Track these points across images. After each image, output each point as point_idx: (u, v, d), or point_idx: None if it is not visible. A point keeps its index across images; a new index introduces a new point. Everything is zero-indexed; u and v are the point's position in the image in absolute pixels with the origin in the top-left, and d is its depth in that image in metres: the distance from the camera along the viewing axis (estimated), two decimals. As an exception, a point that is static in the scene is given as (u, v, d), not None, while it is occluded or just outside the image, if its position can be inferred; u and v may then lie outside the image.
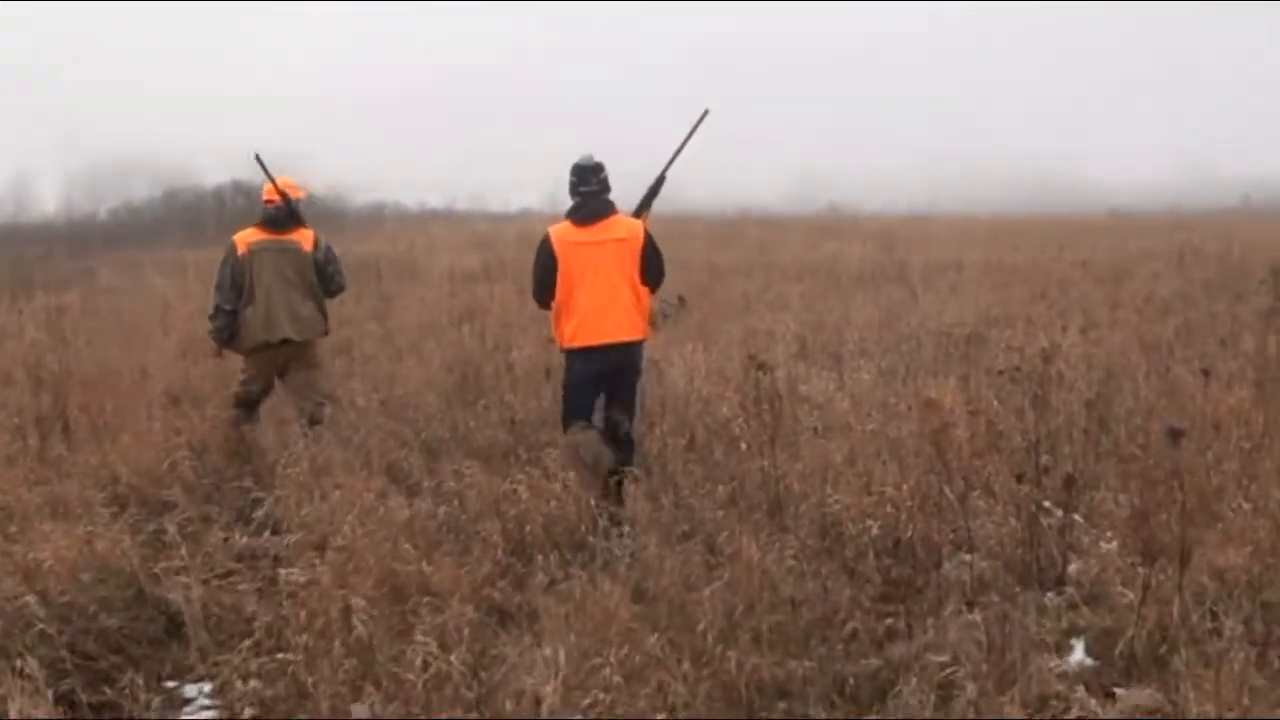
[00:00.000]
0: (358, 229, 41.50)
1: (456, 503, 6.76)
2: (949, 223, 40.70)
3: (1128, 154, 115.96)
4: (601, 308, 7.07)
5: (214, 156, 59.87)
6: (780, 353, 11.61)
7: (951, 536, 6.31)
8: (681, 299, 18.20)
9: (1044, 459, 7.37)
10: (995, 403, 8.87)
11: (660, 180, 7.69)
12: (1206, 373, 7.54)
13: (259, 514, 7.13)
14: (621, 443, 7.11)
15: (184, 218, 48.66)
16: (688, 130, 7.69)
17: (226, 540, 6.68)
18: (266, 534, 7.02)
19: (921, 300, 16.57)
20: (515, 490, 6.51)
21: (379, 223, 45.57)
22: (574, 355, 7.25)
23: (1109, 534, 6.42)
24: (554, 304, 7.26)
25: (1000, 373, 9.83)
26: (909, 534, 6.10)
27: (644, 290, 7.28)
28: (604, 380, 7.25)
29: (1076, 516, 6.55)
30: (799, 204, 71.31)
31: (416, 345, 12.94)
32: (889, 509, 6.33)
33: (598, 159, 7.28)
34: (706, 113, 7.72)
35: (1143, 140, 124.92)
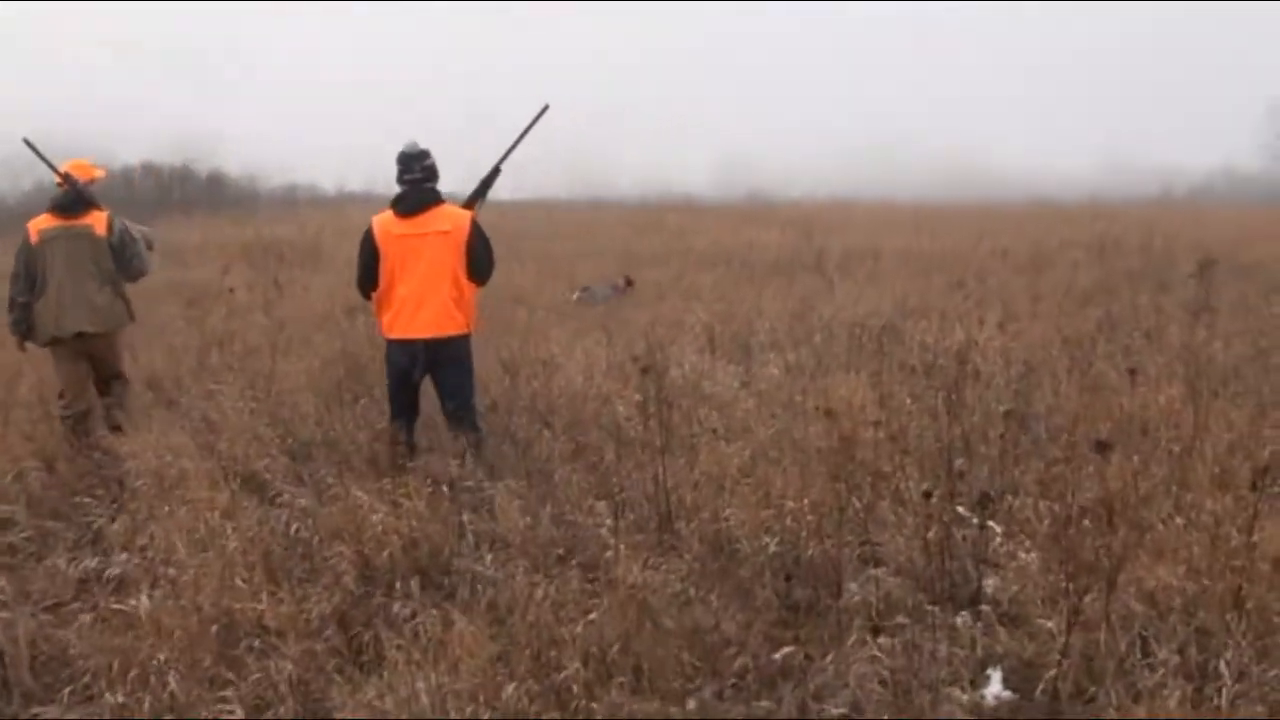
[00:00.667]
0: (270, 211, 40.50)
1: (311, 521, 6.05)
2: (869, 210, 40.48)
3: (1047, 144, 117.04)
4: (419, 300, 6.90)
5: (129, 137, 58.09)
6: (687, 346, 11.05)
7: (858, 551, 5.76)
8: (629, 280, 17.82)
9: (958, 463, 6.90)
10: (908, 401, 8.37)
11: (495, 172, 7.43)
12: (1134, 372, 7.02)
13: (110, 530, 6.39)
14: (465, 427, 6.92)
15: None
16: (527, 123, 7.48)
17: (71, 563, 5.96)
18: (112, 555, 6.27)
19: (837, 289, 16.07)
20: (374, 508, 5.81)
21: (292, 206, 44.57)
22: (391, 346, 7.12)
23: (1028, 546, 5.88)
24: (375, 294, 7.11)
25: (913, 369, 9.44)
26: (810, 551, 5.50)
27: (469, 284, 7.07)
28: (427, 371, 7.09)
29: (993, 525, 6.04)
30: (723, 190, 71.35)
31: (308, 337, 12.17)
32: (789, 522, 5.75)
33: (423, 145, 7.07)
34: (546, 108, 7.51)
35: (1062, 131, 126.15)
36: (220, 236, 26.97)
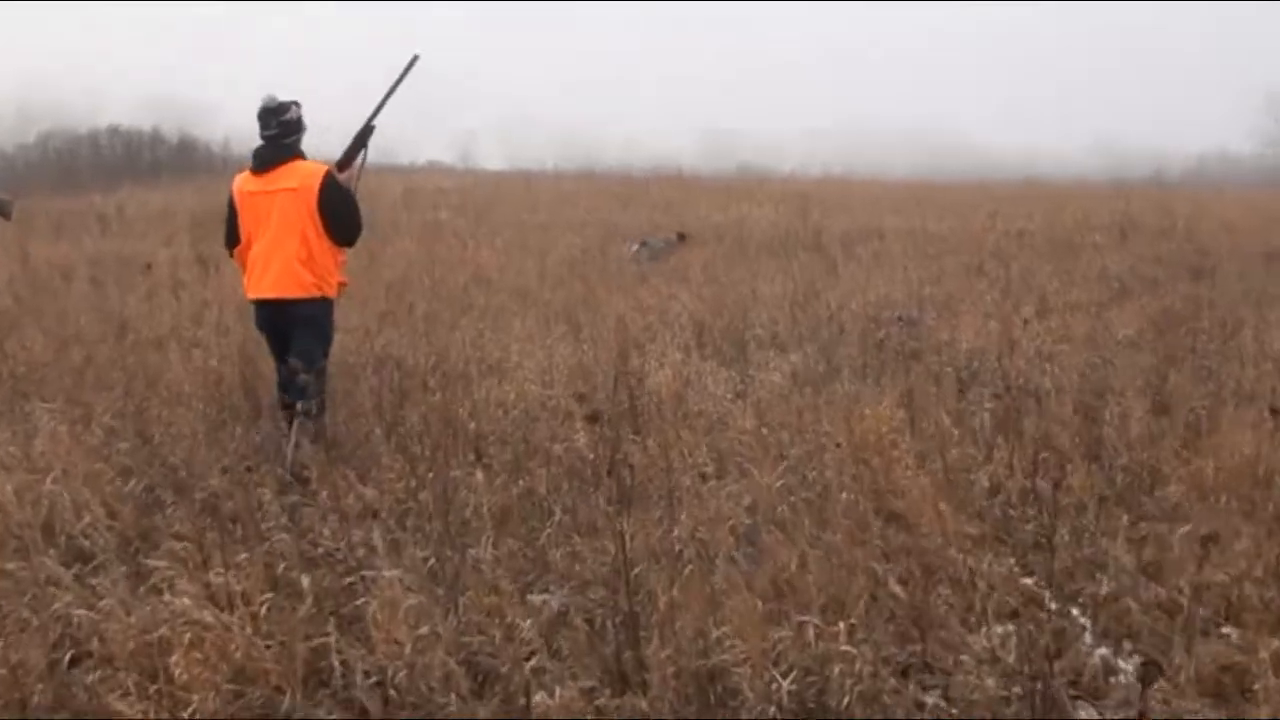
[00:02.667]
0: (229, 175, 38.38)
1: (96, 641, 4.15)
2: (865, 187, 38.65)
3: (1039, 125, 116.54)
4: (266, 261, 6.54)
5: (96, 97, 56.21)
6: (670, 342, 9.29)
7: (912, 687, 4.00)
8: (681, 236, 17.51)
9: (1029, 525, 5.20)
10: (947, 423, 6.65)
11: (366, 130, 6.92)
12: (1277, 412, 5.23)
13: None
14: (301, 395, 5.94)
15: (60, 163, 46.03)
16: (396, 76, 6.98)
17: None
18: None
19: (842, 272, 14.30)
20: (193, 621, 3.95)
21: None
22: (252, 305, 6.83)
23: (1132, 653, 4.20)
24: (237, 252, 6.80)
25: (949, 380, 7.75)
26: (845, 699, 3.70)
27: (326, 245, 6.58)
28: (284, 332, 6.64)
29: (1083, 621, 4.35)
30: (712, 163, 69.78)
31: (229, 325, 10.29)
32: (811, 644, 3.94)
33: (283, 99, 6.60)
34: (416, 58, 7.03)
35: (1053, 112, 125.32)
36: (182, 204, 25.12)
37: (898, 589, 4.34)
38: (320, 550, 4.67)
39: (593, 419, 5.19)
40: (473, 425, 6.68)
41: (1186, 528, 4.94)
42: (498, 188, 33.82)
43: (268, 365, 7.22)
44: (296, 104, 6.62)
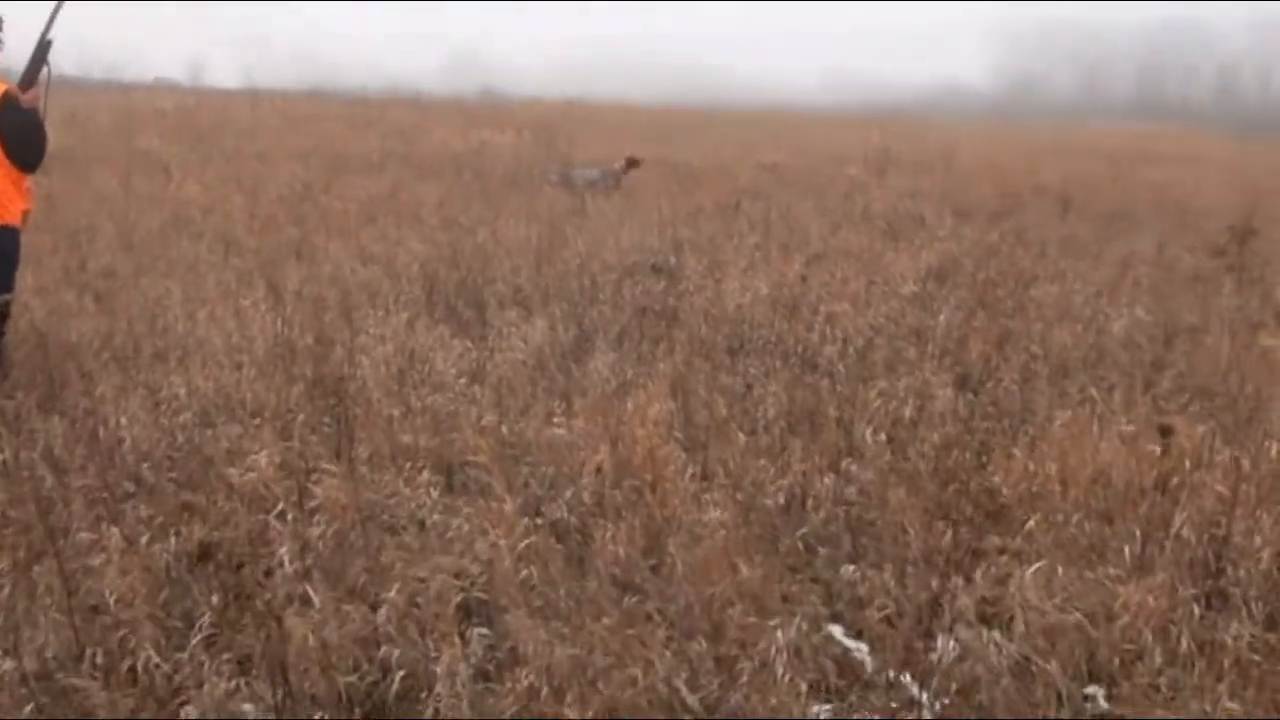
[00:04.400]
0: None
1: None
2: (609, 112, 37.50)
3: (775, 56, 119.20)
4: None
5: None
6: (393, 303, 7.87)
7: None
8: (631, 161, 15.92)
9: (840, 569, 4.12)
10: (734, 430, 5.52)
11: (43, 45, 6.17)
12: (1168, 431, 4.20)
13: None
14: None
15: None
16: None
17: None
18: None
19: (590, 210, 13.04)
20: None
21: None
22: None
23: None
24: None
25: (721, 349, 6.65)
26: None
27: (3, 168, 6.07)
28: None
29: None
30: (453, 85, 67.84)
31: None
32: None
33: None
34: None
35: (790, 44, 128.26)
36: None
37: (690, 698, 3.15)
38: None
39: (285, 436, 3.81)
40: (128, 439, 5.12)
41: (1040, 564, 3.96)
42: (224, 110, 30.97)
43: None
44: None
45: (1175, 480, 4.27)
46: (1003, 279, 8.44)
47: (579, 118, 31.28)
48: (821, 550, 4.32)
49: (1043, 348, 6.73)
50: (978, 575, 4.05)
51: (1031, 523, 4.35)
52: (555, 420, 5.49)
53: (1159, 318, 7.71)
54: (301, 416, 5.25)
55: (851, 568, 4.13)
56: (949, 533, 4.31)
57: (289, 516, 4.13)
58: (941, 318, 7.54)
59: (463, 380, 6.11)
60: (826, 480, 4.81)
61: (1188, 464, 4.37)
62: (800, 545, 4.34)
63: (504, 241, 10.44)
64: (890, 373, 6.42)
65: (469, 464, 4.86)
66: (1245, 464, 4.37)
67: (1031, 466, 4.72)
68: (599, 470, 4.55)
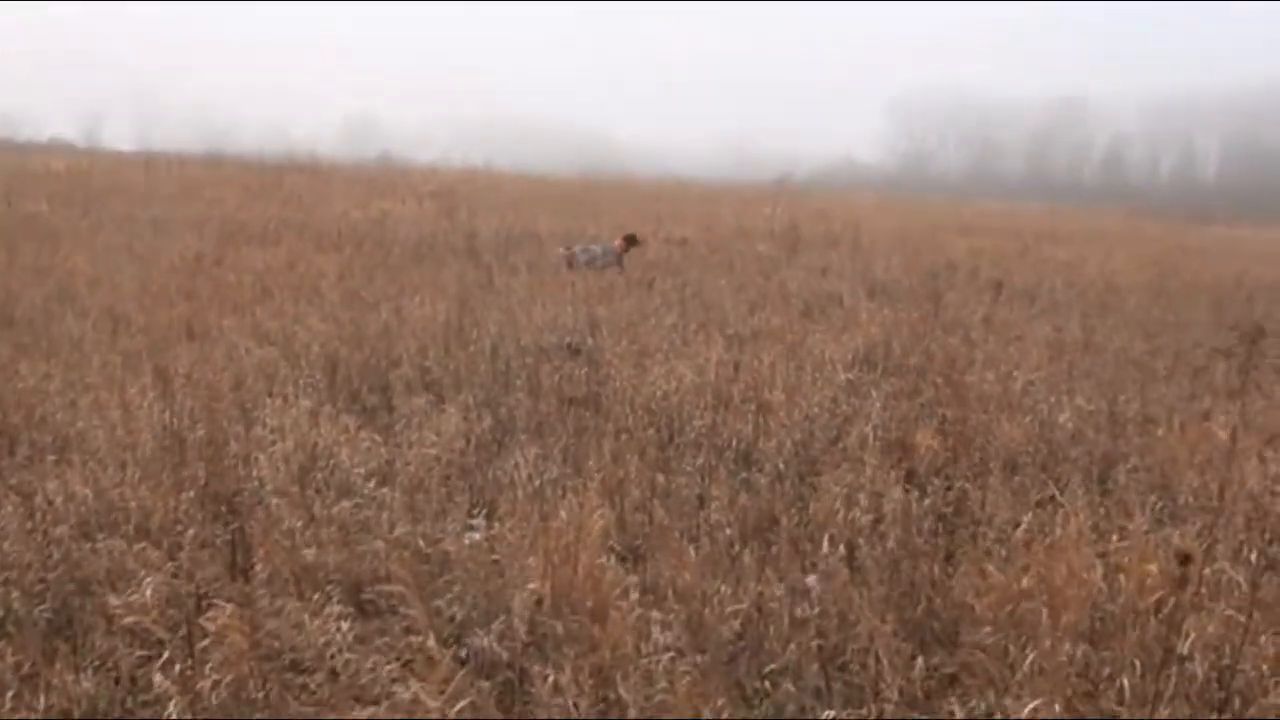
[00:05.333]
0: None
1: None
2: (513, 182, 37.14)
3: (675, 127, 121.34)
4: None
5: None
6: (291, 389, 7.27)
7: None
8: (629, 239, 14.79)
9: None
10: (688, 547, 5.05)
11: None
12: (1187, 560, 3.74)
13: None
14: None
15: None
16: None
17: None
18: None
19: (499, 285, 12.54)
20: None
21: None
22: None
23: None
24: None
25: (658, 446, 6.18)
26: None
27: None
28: None
29: None
30: (352, 151, 67.38)
31: None
32: None
33: None
34: None
35: (689, 115, 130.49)
36: None
37: None
38: None
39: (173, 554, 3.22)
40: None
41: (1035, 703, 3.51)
42: (117, 173, 29.95)
43: None
44: None
45: (1173, 600, 3.86)
46: (934, 365, 8.09)
47: (481, 187, 30.83)
48: (785, 685, 3.84)
49: (988, 440, 6.36)
50: (958, 713, 3.60)
51: (1014, 649, 3.91)
52: (474, 525, 4.97)
53: (1100, 406, 7.41)
54: (192, 530, 4.65)
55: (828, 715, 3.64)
56: (919, 658, 3.88)
57: (176, 667, 3.53)
58: (877, 405, 7.17)
59: (371, 483, 5.54)
60: (783, 594, 4.34)
61: (1194, 586, 3.97)
62: (762, 682, 3.85)
63: (410, 319, 9.88)
64: (833, 468, 5.99)
65: (383, 583, 4.30)
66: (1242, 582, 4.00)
67: (1006, 579, 4.29)
68: (540, 602, 4.01)
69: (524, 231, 18.53)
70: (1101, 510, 5.31)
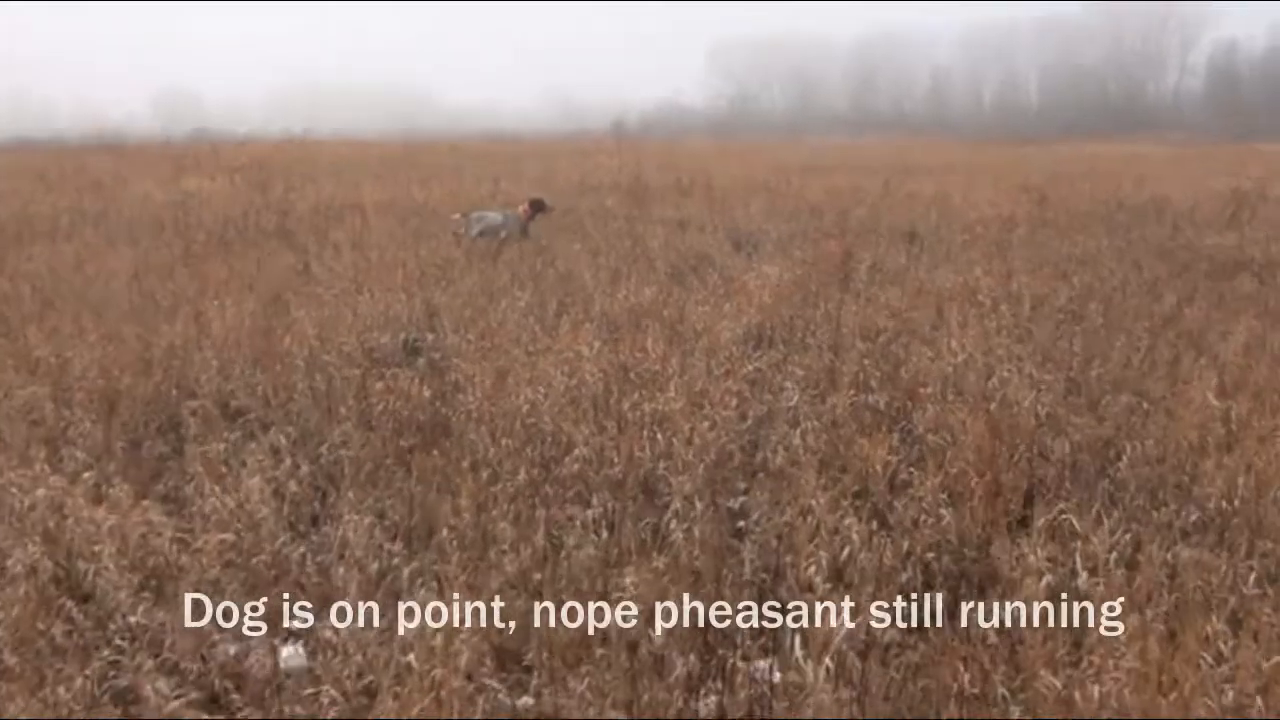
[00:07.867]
0: None
1: None
2: (333, 149, 34.93)
3: (497, 85, 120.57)
4: None
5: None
6: (56, 434, 5.65)
7: None
8: (536, 204, 13.09)
9: None
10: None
11: None
12: None
13: None
14: None
15: None
16: None
17: None
18: None
19: (317, 271, 10.82)
20: None
21: None
22: None
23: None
24: None
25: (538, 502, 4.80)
26: None
27: None
28: None
29: None
30: (168, 127, 64.13)
31: None
32: None
33: None
34: None
35: (512, 72, 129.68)
36: None
37: None
38: None
39: None
40: None
41: None
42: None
43: None
44: None
45: None
46: (850, 338, 6.82)
47: (298, 157, 28.70)
48: None
49: (948, 439, 5.11)
50: None
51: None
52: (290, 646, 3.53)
53: (1057, 376, 6.24)
54: None
55: None
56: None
57: None
58: (795, 398, 5.88)
59: (145, 598, 3.99)
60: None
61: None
62: None
63: (210, 328, 8.19)
64: (760, 491, 4.68)
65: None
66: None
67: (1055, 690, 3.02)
68: None
69: (345, 203, 16.71)
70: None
